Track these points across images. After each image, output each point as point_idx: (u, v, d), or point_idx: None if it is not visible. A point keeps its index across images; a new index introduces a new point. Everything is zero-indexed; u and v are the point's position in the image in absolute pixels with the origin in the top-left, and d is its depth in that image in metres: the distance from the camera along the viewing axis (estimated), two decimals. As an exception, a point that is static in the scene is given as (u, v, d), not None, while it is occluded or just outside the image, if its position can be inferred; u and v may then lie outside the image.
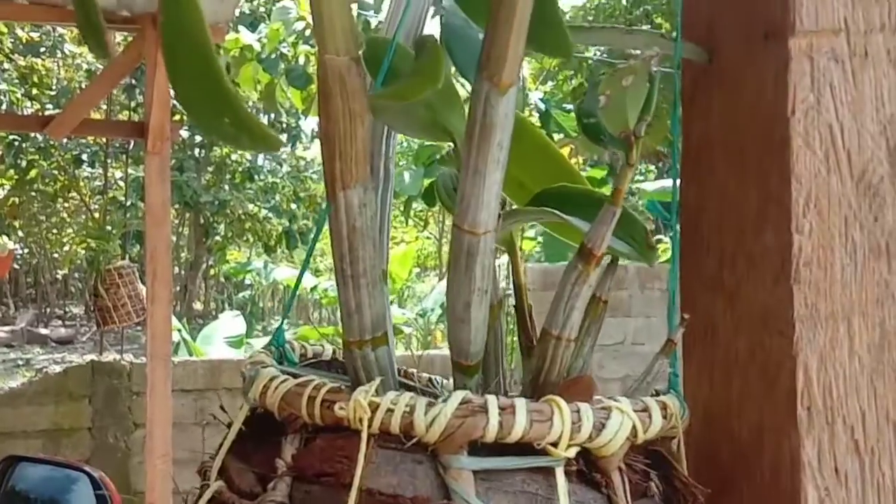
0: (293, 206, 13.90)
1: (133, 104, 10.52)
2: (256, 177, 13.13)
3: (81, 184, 12.10)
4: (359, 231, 0.67)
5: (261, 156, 13.76)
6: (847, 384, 0.69)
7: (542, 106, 9.20)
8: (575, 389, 0.68)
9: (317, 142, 14.23)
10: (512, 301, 0.82)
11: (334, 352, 0.84)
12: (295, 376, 0.68)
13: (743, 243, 0.73)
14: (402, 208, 10.32)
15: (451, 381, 0.75)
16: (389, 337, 0.71)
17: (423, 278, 15.56)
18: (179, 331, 8.42)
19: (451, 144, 0.78)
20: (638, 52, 0.79)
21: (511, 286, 0.85)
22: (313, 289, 12.85)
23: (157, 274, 5.91)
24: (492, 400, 0.60)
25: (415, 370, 0.87)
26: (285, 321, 0.79)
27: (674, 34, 0.76)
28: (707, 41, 0.77)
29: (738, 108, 0.74)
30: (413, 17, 0.86)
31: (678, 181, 0.78)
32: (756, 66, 0.72)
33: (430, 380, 0.87)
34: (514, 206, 0.82)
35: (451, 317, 0.68)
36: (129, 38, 6.13)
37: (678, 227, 0.77)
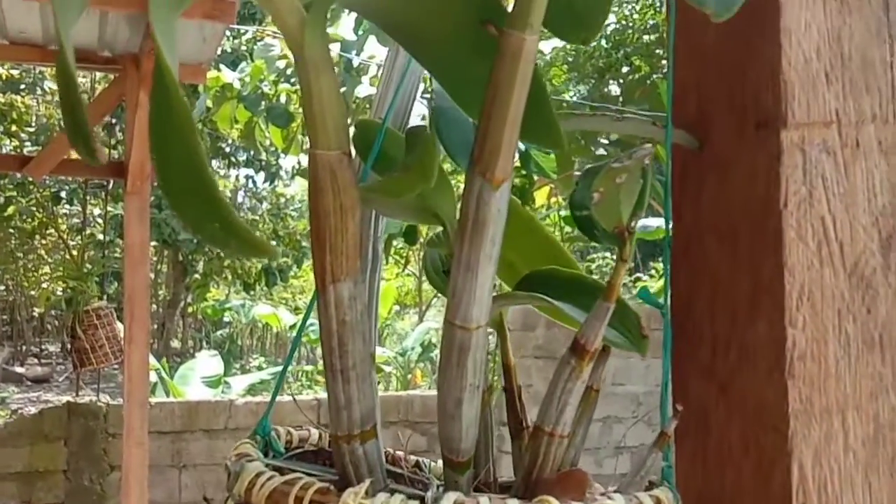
0: (273, 243, 13.86)
1: (113, 141, 10.50)
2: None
3: (60, 221, 12.02)
4: (349, 325, 0.66)
5: (241, 192, 13.75)
6: (842, 480, 0.68)
7: (522, 146, 9.23)
8: (568, 485, 0.67)
9: (297, 179, 14.28)
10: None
11: (320, 436, 0.83)
12: (281, 470, 0.66)
13: (736, 332, 0.72)
14: (382, 246, 10.33)
15: (440, 463, 0.74)
16: (378, 429, 0.70)
17: (402, 316, 15.52)
18: (158, 370, 8.35)
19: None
20: (620, 128, 0.79)
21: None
22: (292, 327, 12.79)
23: (135, 315, 5.86)
24: (484, 502, 0.59)
25: (402, 453, 0.85)
26: (270, 412, 0.78)
27: (664, 120, 0.76)
28: (697, 127, 0.77)
29: (730, 195, 0.74)
30: (402, 97, 0.86)
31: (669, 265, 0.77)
32: (747, 154, 0.72)
33: (417, 464, 0.85)
34: (503, 290, 0.81)
35: (441, 413, 0.67)
36: (111, 78, 6.13)
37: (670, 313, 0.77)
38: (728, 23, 0.62)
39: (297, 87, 10.44)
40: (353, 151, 0.67)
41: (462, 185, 0.64)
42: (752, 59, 0.71)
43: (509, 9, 0.64)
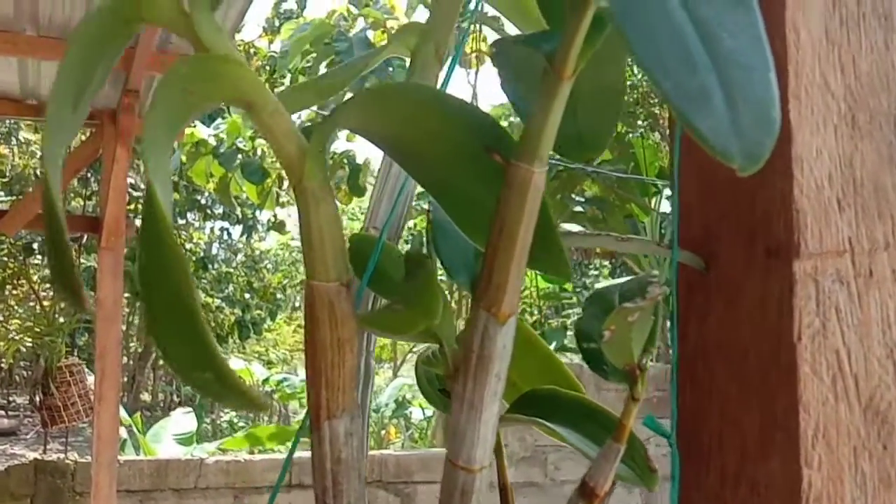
0: (247, 295, 13.77)
1: (87, 192, 10.42)
2: (210, 266, 13.01)
3: (31, 271, 11.88)
4: (344, 463, 0.62)
5: (215, 244, 13.67)
6: None
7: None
8: None
9: (272, 233, 14.23)
10: None
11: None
12: None
13: (746, 467, 0.69)
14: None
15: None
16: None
17: (376, 370, 15.39)
18: (130, 426, 8.20)
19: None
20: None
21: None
22: (265, 381, 12.65)
23: (106, 373, 5.78)
24: None
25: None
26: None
27: (668, 241, 0.74)
28: (702, 247, 0.75)
29: (738, 321, 0.71)
30: (396, 206, 0.83)
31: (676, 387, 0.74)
32: (757, 282, 0.70)
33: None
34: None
35: (442, 559, 0.63)
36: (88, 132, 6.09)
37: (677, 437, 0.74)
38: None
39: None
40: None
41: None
42: (762, 185, 0.69)
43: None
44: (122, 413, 8.28)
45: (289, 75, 9.59)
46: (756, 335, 0.70)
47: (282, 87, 9.84)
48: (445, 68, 0.85)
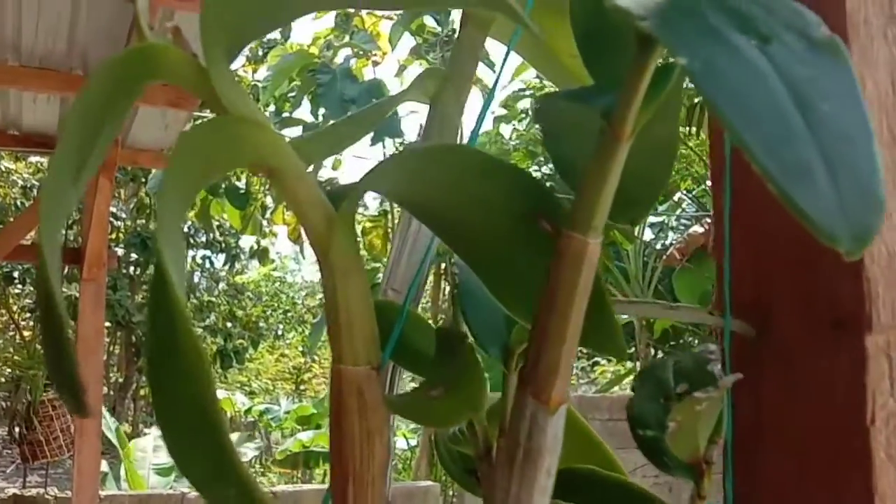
0: (229, 324, 13.65)
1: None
2: (192, 295, 12.89)
3: (11, 301, 11.73)
4: (372, 566, 0.55)
5: (197, 273, 13.56)
6: None
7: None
8: None
9: (254, 262, 14.11)
10: None
11: None
12: None
13: (811, 561, 0.63)
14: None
15: None
16: None
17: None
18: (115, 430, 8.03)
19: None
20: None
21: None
22: (247, 411, 12.52)
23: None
24: None
25: None
26: None
27: (713, 306, 0.68)
28: (754, 312, 0.69)
29: (799, 398, 0.65)
30: (416, 262, 0.77)
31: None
32: (821, 357, 0.64)
33: None
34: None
35: None
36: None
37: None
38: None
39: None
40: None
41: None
42: (827, 249, 0.63)
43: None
44: (111, 435, 8.14)
45: (272, 105, 9.54)
46: (821, 416, 0.63)
47: (266, 116, 9.77)
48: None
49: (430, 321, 0.74)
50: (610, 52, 0.60)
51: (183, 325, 0.42)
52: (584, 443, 0.72)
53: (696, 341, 9.53)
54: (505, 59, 0.75)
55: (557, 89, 0.90)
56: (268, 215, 10.42)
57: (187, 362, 0.42)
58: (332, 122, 0.76)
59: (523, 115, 11.36)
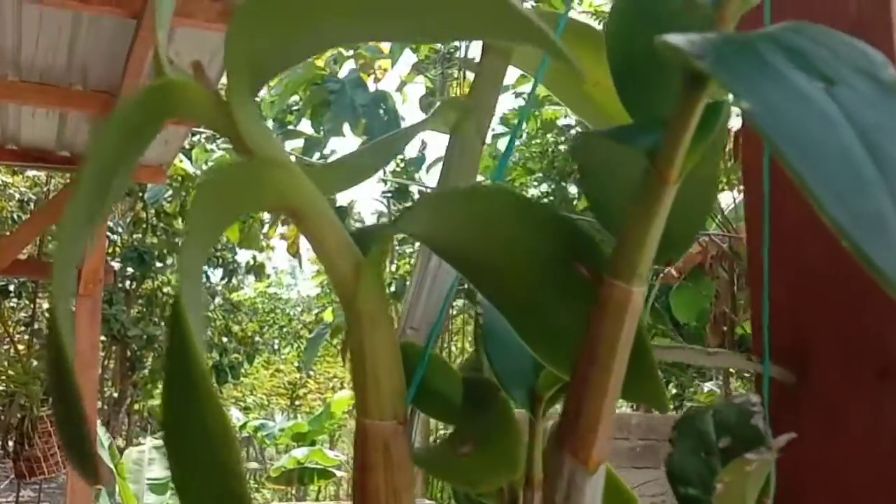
0: (224, 339, 13.59)
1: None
2: (188, 310, 12.81)
3: (6, 315, 11.66)
4: None
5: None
6: None
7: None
8: None
9: (250, 277, 14.06)
10: None
11: None
12: None
13: None
14: (339, 347, 10.10)
15: None
16: None
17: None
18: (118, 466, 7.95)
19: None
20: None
21: None
22: (242, 427, 12.45)
23: (82, 423, 5.61)
24: None
25: None
26: None
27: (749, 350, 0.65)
28: (793, 356, 0.66)
29: (841, 449, 0.62)
30: (436, 301, 0.74)
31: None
32: (865, 405, 0.61)
33: None
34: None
35: None
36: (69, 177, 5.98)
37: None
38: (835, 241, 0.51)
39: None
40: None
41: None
42: (872, 293, 0.60)
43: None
44: (104, 453, 8.06)
45: (271, 121, 9.53)
46: (866, 469, 0.60)
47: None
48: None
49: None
50: (651, 88, 0.57)
51: (205, 390, 0.38)
52: (616, 497, 0.69)
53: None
54: (533, 89, 0.72)
55: (570, 112, 0.87)
56: (265, 230, 10.38)
57: (210, 432, 0.39)
58: (348, 153, 0.73)
59: (522, 132, 11.34)
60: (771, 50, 0.43)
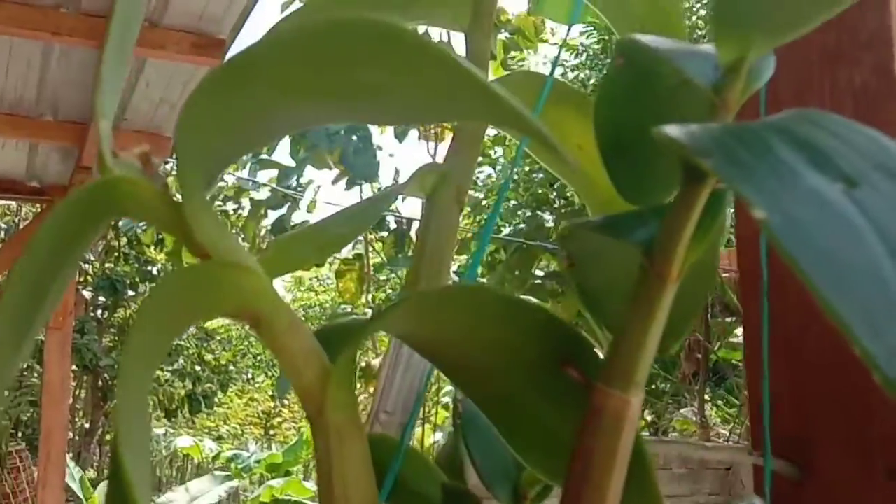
0: (197, 368, 13.45)
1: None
2: (161, 339, 12.68)
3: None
4: None
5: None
6: None
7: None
8: None
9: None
10: None
11: None
12: None
13: None
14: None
15: None
16: None
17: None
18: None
19: None
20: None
21: None
22: (215, 457, 12.30)
23: (51, 457, 5.51)
24: None
25: None
26: None
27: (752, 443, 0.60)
28: (795, 448, 0.61)
29: (849, 551, 0.58)
30: (409, 385, 0.69)
31: None
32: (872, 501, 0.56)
33: None
34: None
35: None
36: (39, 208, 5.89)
37: None
38: (835, 334, 0.47)
39: (232, 207, 10.29)
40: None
41: None
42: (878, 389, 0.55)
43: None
44: (75, 486, 7.92)
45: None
46: (878, 576, 0.56)
47: (243, 172, 9.69)
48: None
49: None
50: (642, 166, 0.53)
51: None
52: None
53: (668, 387, 9.47)
54: (516, 158, 0.68)
55: (561, 179, 0.83)
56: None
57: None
58: (323, 219, 0.68)
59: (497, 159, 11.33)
60: (784, 145, 0.38)
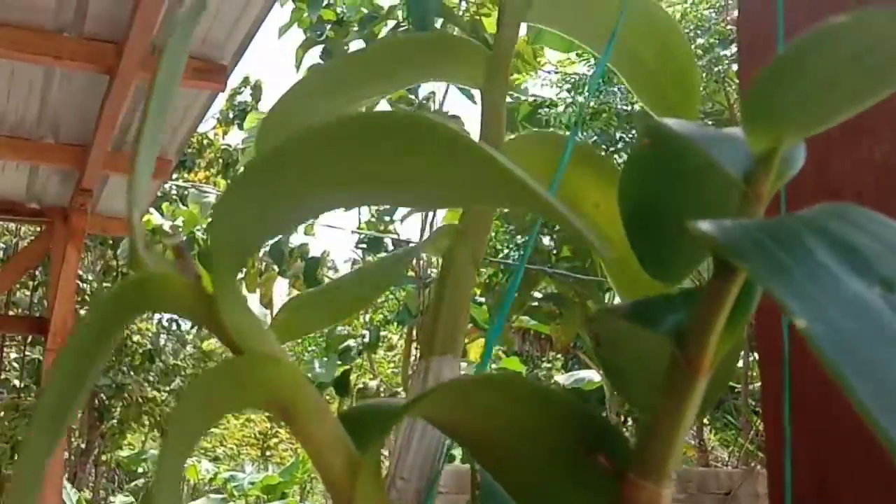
0: (194, 387, 13.40)
1: (34, 283, 10.13)
2: (157, 358, 12.67)
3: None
4: None
5: (163, 336, 13.36)
6: None
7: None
8: None
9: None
10: None
11: None
12: None
13: None
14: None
15: None
16: None
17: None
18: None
19: None
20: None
21: None
22: (212, 478, 12.26)
23: (48, 480, 5.48)
24: None
25: None
26: None
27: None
28: (817, 520, 0.61)
29: None
30: (427, 454, 0.69)
31: None
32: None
33: None
34: None
35: None
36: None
37: None
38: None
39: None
40: None
41: None
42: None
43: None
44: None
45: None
46: None
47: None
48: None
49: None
50: (667, 245, 0.53)
51: None
52: None
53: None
54: (531, 240, 0.68)
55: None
56: (240, 276, 10.27)
57: None
58: (336, 280, 0.68)
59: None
60: (821, 246, 0.38)
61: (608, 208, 0.76)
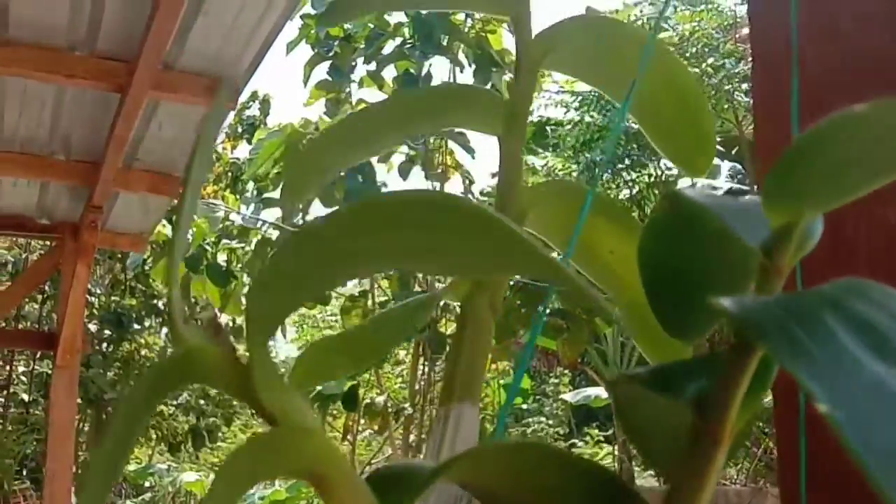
0: (202, 402, 13.42)
1: (43, 296, 10.16)
2: (165, 372, 12.66)
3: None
4: None
5: (170, 350, 13.35)
6: None
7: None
8: None
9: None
10: None
11: None
12: None
13: None
14: (317, 406, 9.97)
15: None
16: None
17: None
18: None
19: None
20: None
21: None
22: (218, 492, 12.22)
23: (56, 497, 5.46)
24: None
25: None
26: None
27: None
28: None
29: None
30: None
31: None
32: None
33: None
34: None
35: None
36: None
37: None
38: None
39: (238, 245, 10.32)
40: None
41: None
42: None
43: None
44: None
45: (251, 183, 9.52)
46: None
47: (247, 195, 9.75)
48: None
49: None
50: (687, 309, 0.54)
51: None
52: None
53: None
54: (548, 299, 0.69)
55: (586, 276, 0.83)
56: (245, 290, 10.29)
57: None
58: (360, 325, 0.69)
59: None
60: (842, 325, 0.39)
61: (623, 253, 0.78)
